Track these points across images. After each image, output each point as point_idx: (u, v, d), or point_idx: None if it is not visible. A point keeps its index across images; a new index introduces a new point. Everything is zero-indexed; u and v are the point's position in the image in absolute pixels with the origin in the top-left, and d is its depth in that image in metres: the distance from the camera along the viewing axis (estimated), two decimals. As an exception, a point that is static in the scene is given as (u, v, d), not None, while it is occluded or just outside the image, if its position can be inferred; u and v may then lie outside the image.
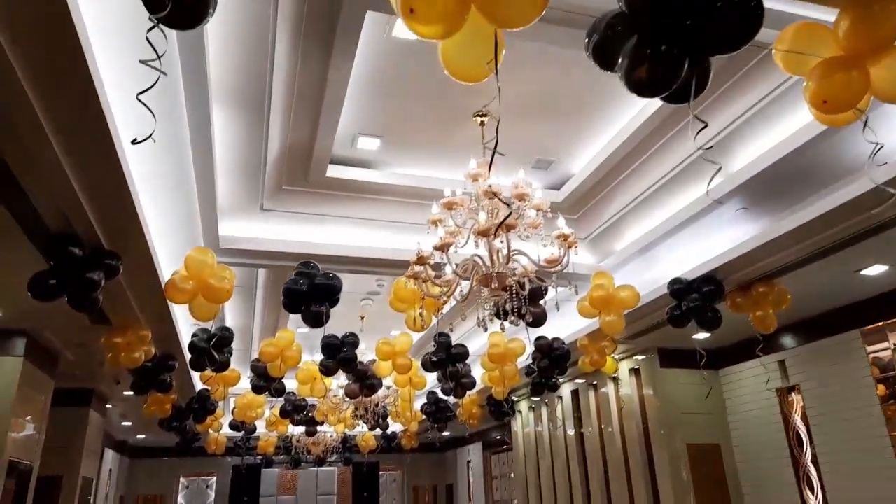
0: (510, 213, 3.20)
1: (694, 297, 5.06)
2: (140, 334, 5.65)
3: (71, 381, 7.81)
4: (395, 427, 13.43)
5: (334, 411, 8.76)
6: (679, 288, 5.17)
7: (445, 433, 15.59)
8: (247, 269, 6.03)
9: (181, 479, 15.32)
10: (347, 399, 8.04)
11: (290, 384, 8.33)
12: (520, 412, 10.81)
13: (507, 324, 3.84)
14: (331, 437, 12.54)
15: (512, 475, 13.12)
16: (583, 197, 5.49)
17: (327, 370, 6.07)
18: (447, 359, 6.28)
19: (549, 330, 6.99)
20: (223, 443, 12.84)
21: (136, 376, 6.44)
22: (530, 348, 6.62)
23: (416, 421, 9.69)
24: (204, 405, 8.52)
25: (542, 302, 4.70)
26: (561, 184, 5.45)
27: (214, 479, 15.34)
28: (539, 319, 4.70)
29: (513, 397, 10.04)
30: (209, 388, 6.84)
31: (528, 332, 6.54)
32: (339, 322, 5.85)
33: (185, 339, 6.20)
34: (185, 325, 6.36)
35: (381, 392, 8.18)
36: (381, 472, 16.73)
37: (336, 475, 16.19)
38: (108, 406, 9.12)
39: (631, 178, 5.09)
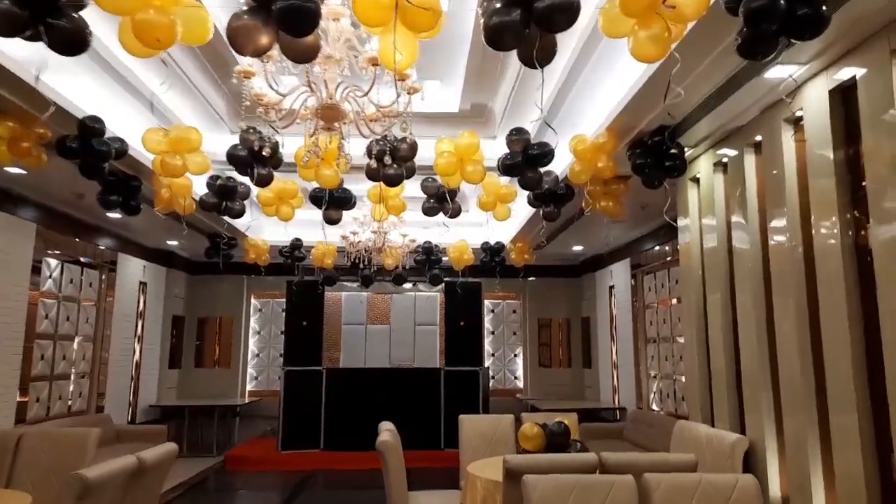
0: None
1: None
2: None
3: None
4: (492, 231, 9.13)
5: (319, 145, 4.47)
6: None
7: (577, 247, 11.02)
8: None
9: (254, 301, 12.73)
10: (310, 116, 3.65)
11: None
12: (695, 181, 5.75)
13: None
14: (399, 242, 8.58)
15: (674, 302, 8.40)
16: None
17: None
18: None
19: None
20: (264, 249, 9.52)
21: None
22: None
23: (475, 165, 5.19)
24: (87, 138, 4.63)
25: None
26: None
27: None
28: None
29: (682, 144, 5.06)
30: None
31: None
32: None
33: None
34: None
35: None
36: (495, 300, 12.89)
37: (438, 301, 12.63)
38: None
39: None
